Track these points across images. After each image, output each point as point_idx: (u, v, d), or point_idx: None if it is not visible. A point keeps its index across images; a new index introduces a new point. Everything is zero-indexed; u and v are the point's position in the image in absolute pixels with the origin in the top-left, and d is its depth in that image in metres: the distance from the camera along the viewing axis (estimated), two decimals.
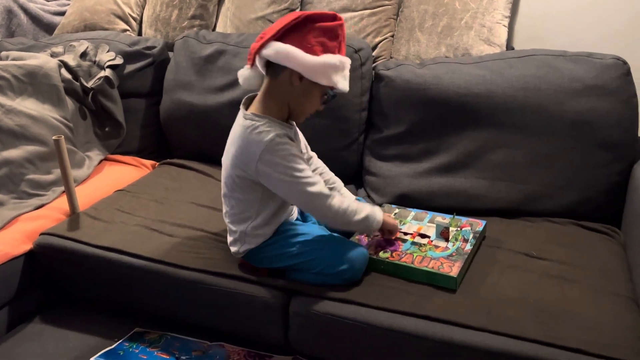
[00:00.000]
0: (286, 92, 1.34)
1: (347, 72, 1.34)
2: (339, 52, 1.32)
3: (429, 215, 1.61)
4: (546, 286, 1.34)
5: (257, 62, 1.34)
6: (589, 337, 1.17)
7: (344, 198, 1.41)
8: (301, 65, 1.28)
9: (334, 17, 1.31)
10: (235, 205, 1.41)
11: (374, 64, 1.94)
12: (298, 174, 1.31)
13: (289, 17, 1.29)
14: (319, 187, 1.33)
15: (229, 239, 1.45)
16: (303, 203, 1.37)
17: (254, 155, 1.30)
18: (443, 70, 1.76)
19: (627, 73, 1.63)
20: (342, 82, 1.34)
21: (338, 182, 1.58)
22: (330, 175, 1.58)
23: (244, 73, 1.39)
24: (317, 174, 1.50)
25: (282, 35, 1.29)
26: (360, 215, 1.37)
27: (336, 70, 1.31)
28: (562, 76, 1.65)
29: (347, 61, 1.33)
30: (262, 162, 1.30)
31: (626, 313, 1.26)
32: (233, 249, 1.44)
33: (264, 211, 1.38)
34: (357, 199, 1.57)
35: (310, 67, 1.28)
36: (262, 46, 1.29)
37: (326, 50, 1.30)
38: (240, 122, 1.36)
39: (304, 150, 1.53)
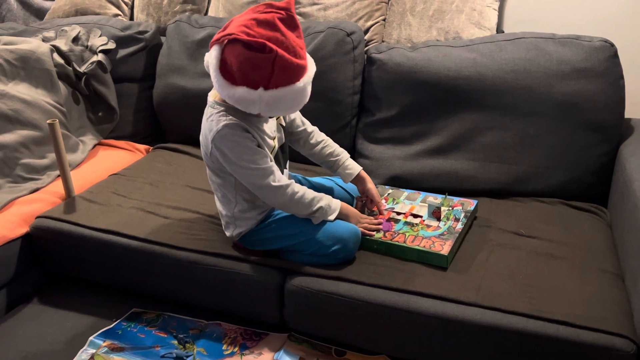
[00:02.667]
0: None
1: (278, 103, 1.23)
2: (268, 83, 1.20)
3: (421, 195, 1.64)
4: (534, 263, 1.38)
5: None
6: (576, 310, 1.21)
7: (300, 189, 1.37)
8: (218, 89, 1.25)
9: (262, 48, 1.16)
10: (217, 189, 1.44)
11: (365, 48, 1.95)
12: (246, 164, 1.30)
13: (224, 32, 1.21)
14: (268, 179, 1.31)
15: (222, 222, 1.48)
16: (255, 191, 1.36)
17: (208, 142, 1.33)
18: (434, 54, 1.78)
19: (615, 55, 1.65)
20: (270, 112, 1.27)
21: (343, 154, 1.55)
22: (335, 147, 1.55)
23: (206, 58, 1.31)
24: (277, 169, 1.37)
25: (221, 42, 1.23)
26: (312, 208, 1.37)
27: (253, 103, 1.22)
28: (551, 59, 1.67)
29: (274, 95, 1.21)
30: (215, 149, 1.31)
31: (611, 288, 1.30)
32: (227, 232, 1.46)
33: (242, 194, 1.39)
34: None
35: (224, 93, 1.25)
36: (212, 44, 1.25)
37: (246, 80, 1.20)
38: (206, 109, 1.38)
39: (301, 127, 1.52)
